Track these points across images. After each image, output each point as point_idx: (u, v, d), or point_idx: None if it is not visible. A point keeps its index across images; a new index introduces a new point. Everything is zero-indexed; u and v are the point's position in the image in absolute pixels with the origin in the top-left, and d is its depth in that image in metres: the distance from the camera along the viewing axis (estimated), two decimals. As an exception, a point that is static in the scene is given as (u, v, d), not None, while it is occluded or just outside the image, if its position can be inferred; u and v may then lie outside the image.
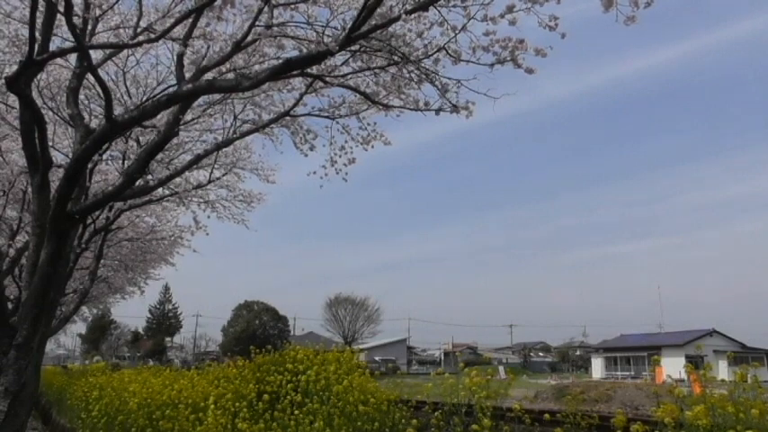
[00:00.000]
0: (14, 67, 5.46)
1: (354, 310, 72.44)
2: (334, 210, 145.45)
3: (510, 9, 4.50)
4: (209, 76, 5.98)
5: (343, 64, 6.00)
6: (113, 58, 7.55)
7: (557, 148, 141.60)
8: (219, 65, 5.93)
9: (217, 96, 7.72)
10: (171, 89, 6.50)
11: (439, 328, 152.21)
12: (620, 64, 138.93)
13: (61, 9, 4.75)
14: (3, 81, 5.68)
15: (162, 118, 6.70)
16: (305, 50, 5.67)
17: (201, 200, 11.16)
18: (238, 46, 5.59)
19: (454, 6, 4.78)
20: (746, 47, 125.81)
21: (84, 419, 10.70)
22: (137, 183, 6.49)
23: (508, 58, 4.90)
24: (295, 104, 7.19)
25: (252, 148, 10.03)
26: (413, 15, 4.72)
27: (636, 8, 4.17)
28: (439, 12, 4.84)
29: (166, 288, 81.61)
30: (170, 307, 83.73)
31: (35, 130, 5.43)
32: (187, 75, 5.64)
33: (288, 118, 7.42)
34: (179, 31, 5.70)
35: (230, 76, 5.94)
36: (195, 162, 8.52)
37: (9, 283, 11.64)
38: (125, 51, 7.52)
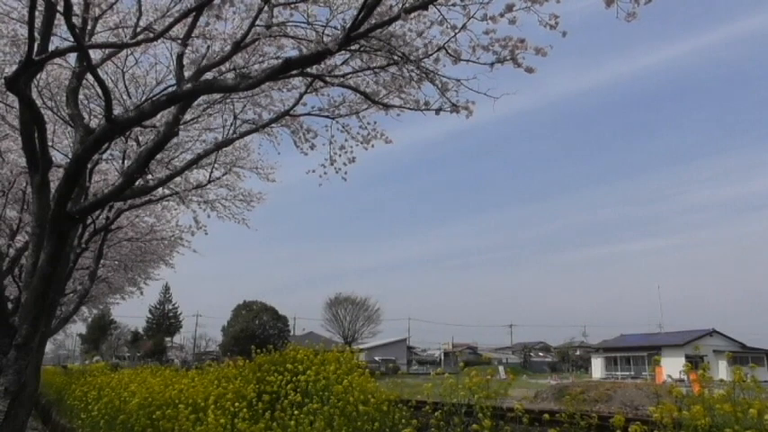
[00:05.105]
0: (14, 67, 5.45)
1: (354, 310, 72.45)
2: (334, 209, 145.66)
3: (509, 8, 4.49)
4: (208, 75, 5.98)
5: (342, 63, 5.99)
6: (113, 58, 7.54)
7: (557, 147, 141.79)
8: (219, 65, 5.93)
9: (217, 96, 7.72)
10: (170, 89, 6.50)
11: (439, 328, 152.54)
12: (620, 61, 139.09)
13: (60, 9, 4.74)
14: (2, 81, 5.68)
15: (162, 118, 6.69)
16: (304, 50, 5.67)
17: (201, 199, 11.15)
18: (238, 46, 5.59)
19: (454, 5, 4.77)
20: (750, 45, 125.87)
21: (84, 419, 10.71)
22: (136, 183, 6.49)
23: (508, 58, 4.89)
24: (295, 104, 7.18)
25: (251, 148, 10.04)
26: (412, 14, 4.72)
27: (636, 4, 4.18)
28: (438, 11, 4.83)
29: (166, 288, 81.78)
30: (170, 307, 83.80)
31: (35, 130, 5.43)
32: (186, 74, 5.64)
33: (288, 117, 7.42)
34: (178, 30, 5.70)
35: (230, 75, 5.94)
36: (195, 162, 8.52)
37: (9, 283, 11.64)
38: (124, 51, 7.52)
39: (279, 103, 7.48)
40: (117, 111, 6.22)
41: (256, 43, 5.90)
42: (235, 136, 8.12)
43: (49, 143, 6.53)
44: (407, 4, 4.66)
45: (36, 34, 4.86)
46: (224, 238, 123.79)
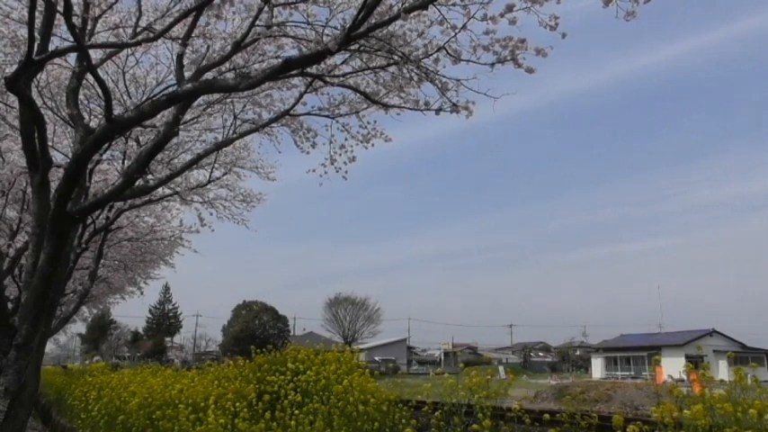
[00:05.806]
0: (14, 67, 5.46)
1: (354, 310, 72.43)
2: (334, 209, 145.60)
3: (509, 8, 4.49)
4: (208, 75, 5.97)
5: (342, 63, 5.99)
6: (113, 58, 7.54)
7: (557, 147, 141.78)
8: (219, 64, 5.93)
9: (216, 96, 7.72)
10: (170, 89, 6.49)
11: (439, 328, 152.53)
12: (620, 61, 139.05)
13: (60, 9, 4.74)
14: (2, 81, 5.68)
15: (162, 118, 6.70)
16: (304, 50, 5.67)
17: (201, 199, 11.15)
18: (238, 46, 5.59)
19: (454, 5, 4.77)
20: (750, 45, 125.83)
21: (84, 419, 10.71)
22: (136, 183, 6.49)
23: (509, 58, 4.89)
24: (295, 104, 7.18)
25: (251, 147, 10.04)
26: (412, 14, 4.72)
27: (636, 3, 4.18)
28: (438, 11, 4.83)
29: (166, 288, 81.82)
30: (170, 307, 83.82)
31: (35, 130, 5.43)
32: (187, 74, 5.64)
33: (288, 117, 7.42)
34: (178, 30, 5.70)
35: (230, 75, 5.94)
36: (195, 162, 8.52)
37: (9, 283, 11.64)
38: (124, 51, 7.52)
39: (279, 103, 7.48)
40: (117, 111, 6.22)
41: (256, 43, 5.90)
42: (235, 136, 8.12)
43: (49, 143, 6.53)
44: (407, 4, 4.66)
45: (36, 34, 4.86)
46: (224, 238, 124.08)
